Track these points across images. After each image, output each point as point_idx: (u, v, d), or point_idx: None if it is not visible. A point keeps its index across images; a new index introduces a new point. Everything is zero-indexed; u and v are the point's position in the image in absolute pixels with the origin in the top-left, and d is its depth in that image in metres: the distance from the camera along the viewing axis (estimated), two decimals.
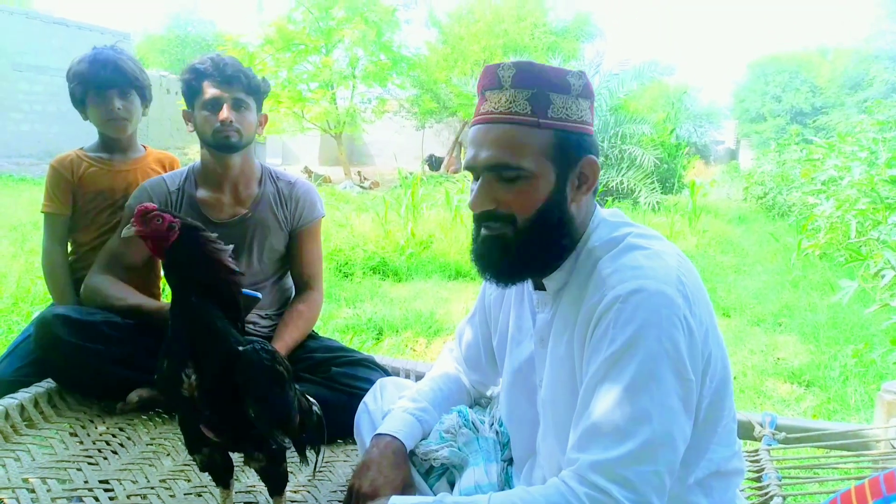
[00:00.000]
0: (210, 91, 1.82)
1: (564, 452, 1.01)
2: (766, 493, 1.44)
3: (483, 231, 1.11)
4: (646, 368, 0.94)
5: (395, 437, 1.28)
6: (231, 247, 1.17)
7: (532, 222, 1.07)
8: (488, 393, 1.51)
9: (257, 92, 1.90)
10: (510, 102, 1.05)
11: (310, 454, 1.26)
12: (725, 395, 1.08)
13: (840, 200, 5.59)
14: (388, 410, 1.39)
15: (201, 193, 1.93)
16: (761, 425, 1.71)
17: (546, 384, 1.15)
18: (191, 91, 1.86)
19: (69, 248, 2.12)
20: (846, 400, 3.16)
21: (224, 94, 1.82)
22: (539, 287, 1.18)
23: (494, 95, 1.07)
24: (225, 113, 1.81)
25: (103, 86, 2.00)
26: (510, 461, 1.33)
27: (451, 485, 1.29)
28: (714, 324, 1.05)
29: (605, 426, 0.94)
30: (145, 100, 2.11)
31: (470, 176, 1.11)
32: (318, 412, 1.31)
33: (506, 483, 1.27)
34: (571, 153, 1.07)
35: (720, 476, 1.09)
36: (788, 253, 6.78)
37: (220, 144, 1.85)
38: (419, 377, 1.74)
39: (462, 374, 1.50)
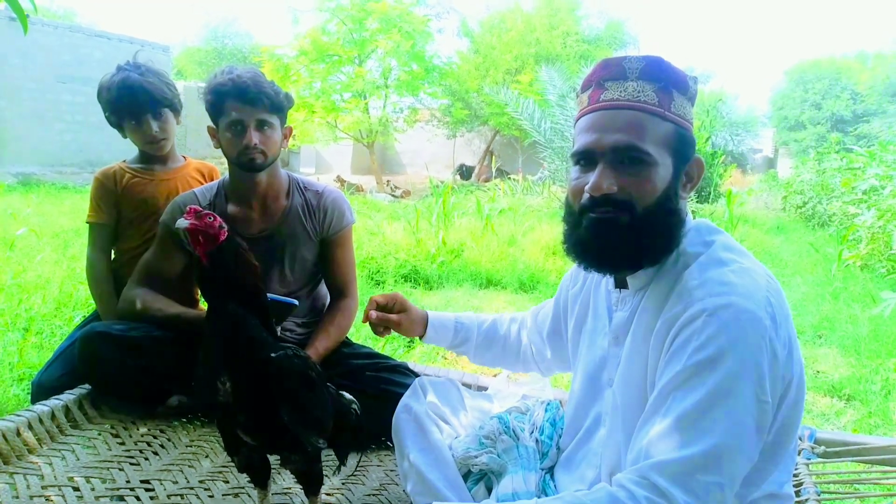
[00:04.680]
0: (233, 114, 1.79)
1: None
2: None
3: (591, 215, 1.09)
4: (725, 384, 0.93)
5: None
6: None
7: (650, 210, 1.07)
8: (532, 355, 1.57)
9: (281, 109, 1.86)
10: (637, 92, 1.08)
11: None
12: (797, 419, 1.06)
13: (882, 210, 5.48)
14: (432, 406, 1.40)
15: (231, 209, 1.92)
16: (800, 439, 1.67)
17: (618, 384, 1.14)
18: (213, 110, 1.83)
19: (113, 256, 2.18)
20: (888, 414, 3.07)
21: (247, 117, 1.79)
22: (619, 285, 1.18)
23: (618, 85, 1.09)
24: (249, 137, 1.79)
25: (137, 113, 2.05)
26: (548, 470, 1.32)
27: (489, 490, 1.28)
28: (797, 345, 1.03)
29: (673, 431, 0.93)
30: (177, 111, 2.15)
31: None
32: (358, 410, 1.32)
33: (542, 492, 1.26)
34: (686, 149, 1.10)
35: (775, 499, 1.08)
36: (828, 264, 6.62)
37: (246, 166, 1.83)
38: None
39: (527, 331, 1.58)
